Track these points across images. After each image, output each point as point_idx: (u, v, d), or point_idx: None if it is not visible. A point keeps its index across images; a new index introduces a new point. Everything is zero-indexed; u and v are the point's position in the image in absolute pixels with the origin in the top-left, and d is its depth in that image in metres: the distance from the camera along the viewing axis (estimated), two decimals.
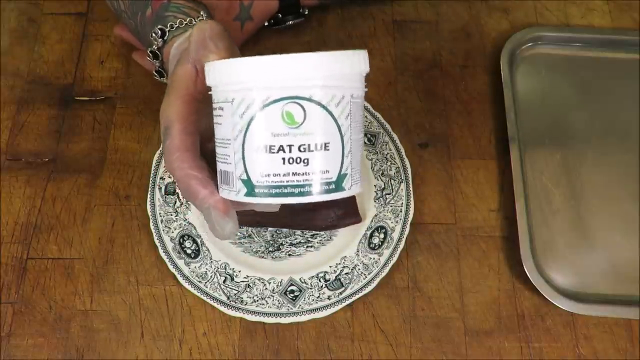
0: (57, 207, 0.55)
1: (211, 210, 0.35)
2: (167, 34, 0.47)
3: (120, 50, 0.62)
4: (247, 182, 0.33)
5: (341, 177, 0.33)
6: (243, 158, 0.33)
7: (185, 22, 0.46)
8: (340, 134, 0.32)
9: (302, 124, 0.31)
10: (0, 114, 0.58)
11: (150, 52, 0.48)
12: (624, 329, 0.51)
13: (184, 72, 0.37)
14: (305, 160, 0.32)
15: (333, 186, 0.33)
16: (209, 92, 0.35)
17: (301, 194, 0.32)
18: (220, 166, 0.35)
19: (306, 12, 0.62)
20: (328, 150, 0.32)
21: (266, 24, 0.61)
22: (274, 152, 0.32)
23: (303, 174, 0.32)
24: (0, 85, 0.60)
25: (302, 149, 0.32)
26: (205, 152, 0.38)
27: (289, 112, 0.31)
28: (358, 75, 0.33)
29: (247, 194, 0.33)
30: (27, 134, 0.58)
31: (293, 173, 0.32)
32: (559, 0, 0.66)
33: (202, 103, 0.38)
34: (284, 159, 0.32)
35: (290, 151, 0.32)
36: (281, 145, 0.32)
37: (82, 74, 0.61)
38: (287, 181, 0.32)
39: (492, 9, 0.66)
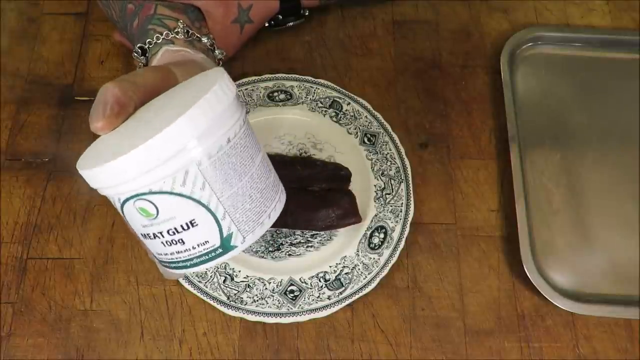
0: (57, 207, 0.55)
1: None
2: (147, 51, 0.46)
3: (120, 50, 0.62)
4: (156, 258, 0.35)
5: (227, 239, 0.32)
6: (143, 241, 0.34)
7: (162, 37, 0.45)
8: (203, 205, 0.31)
9: (157, 214, 0.31)
10: (0, 114, 0.58)
11: (138, 68, 0.48)
12: (624, 329, 0.51)
13: None
14: (180, 240, 0.32)
15: (220, 250, 0.33)
16: None
17: (194, 265, 0.33)
18: None
19: (306, 13, 0.62)
20: (196, 225, 0.31)
21: (266, 25, 0.61)
22: (152, 239, 0.33)
23: (185, 250, 0.32)
24: (0, 85, 0.60)
25: (170, 232, 0.32)
26: None
27: (142, 208, 0.31)
28: (206, 132, 0.30)
29: (163, 265, 0.35)
30: (27, 134, 0.58)
31: (176, 252, 0.33)
32: (558, 0, 0.66)
33: None
34: (162, 242, 0.32)
35: (162, 236, 0.32)
36: (153, 233, 0.32)
37: (82, 74, 0.61)
38: (177, 258, 0.33)
39: (492, 9, 0.66)
